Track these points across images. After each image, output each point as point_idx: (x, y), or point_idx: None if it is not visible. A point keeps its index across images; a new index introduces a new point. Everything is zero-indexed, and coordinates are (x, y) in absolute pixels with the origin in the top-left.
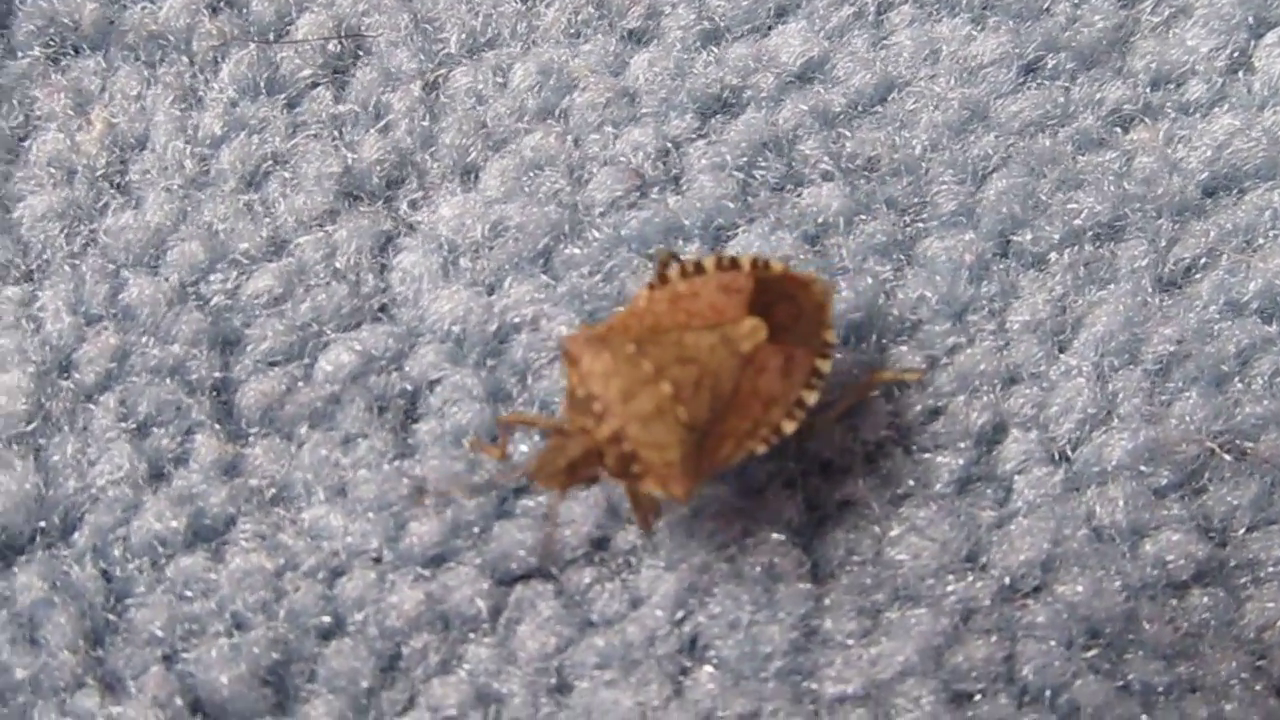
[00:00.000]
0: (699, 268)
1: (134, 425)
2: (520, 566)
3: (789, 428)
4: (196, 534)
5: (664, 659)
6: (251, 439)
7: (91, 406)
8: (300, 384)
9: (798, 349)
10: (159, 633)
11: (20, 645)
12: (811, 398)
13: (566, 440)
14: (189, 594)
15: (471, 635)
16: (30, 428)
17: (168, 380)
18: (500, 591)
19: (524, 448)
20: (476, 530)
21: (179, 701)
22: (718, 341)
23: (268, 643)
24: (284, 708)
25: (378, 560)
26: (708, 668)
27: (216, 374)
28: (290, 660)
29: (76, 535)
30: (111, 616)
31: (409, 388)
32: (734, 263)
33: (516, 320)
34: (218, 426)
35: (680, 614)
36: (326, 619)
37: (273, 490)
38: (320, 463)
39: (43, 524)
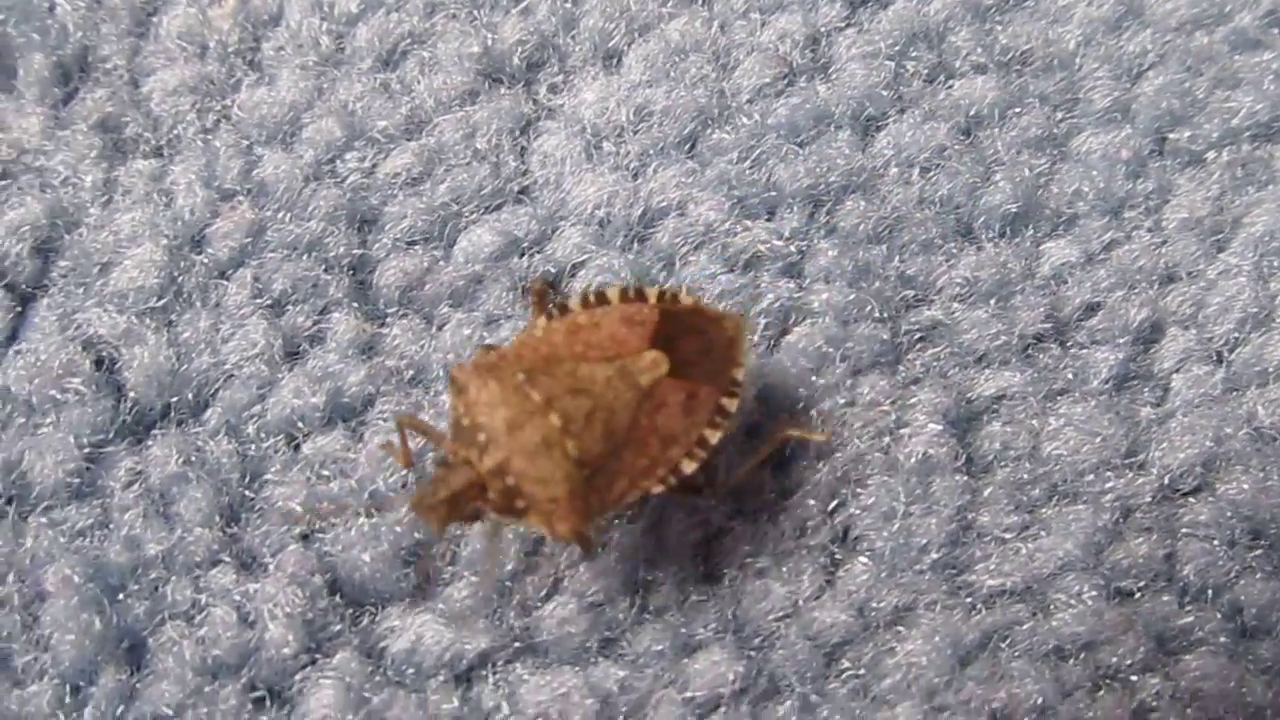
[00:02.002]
0: (601, 298)
1: (269, 302)
2: None
3: (689, 467)
4: (334, 413)
5: (816, 549)
6: (389, 319)
7: (224, 283)
8: (441, 263)
9: (702, 386)
10: (297, 510)
11: (153, 520)
12: (715, 437)
13: (448, 472)
14: (326, 473)
15: (617, 521)
16: (162, 303)
17: (304, 257)
18: None
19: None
20: None
21: (317, 580)
22: (615, 374)
23: (409, 524)
24: (425, 590)
25: None
26: (861, 559)
27: (355, 251)
28: (431, 541)
29: (209, 413)
30: (248, 493)
31: (552, 270)
32: (640, 294)
33: (662, 204)
34: (355, 305)
35: (833, 504)
36: None
37: (411, 371)
38: (462, 343)
39: (175, 399)
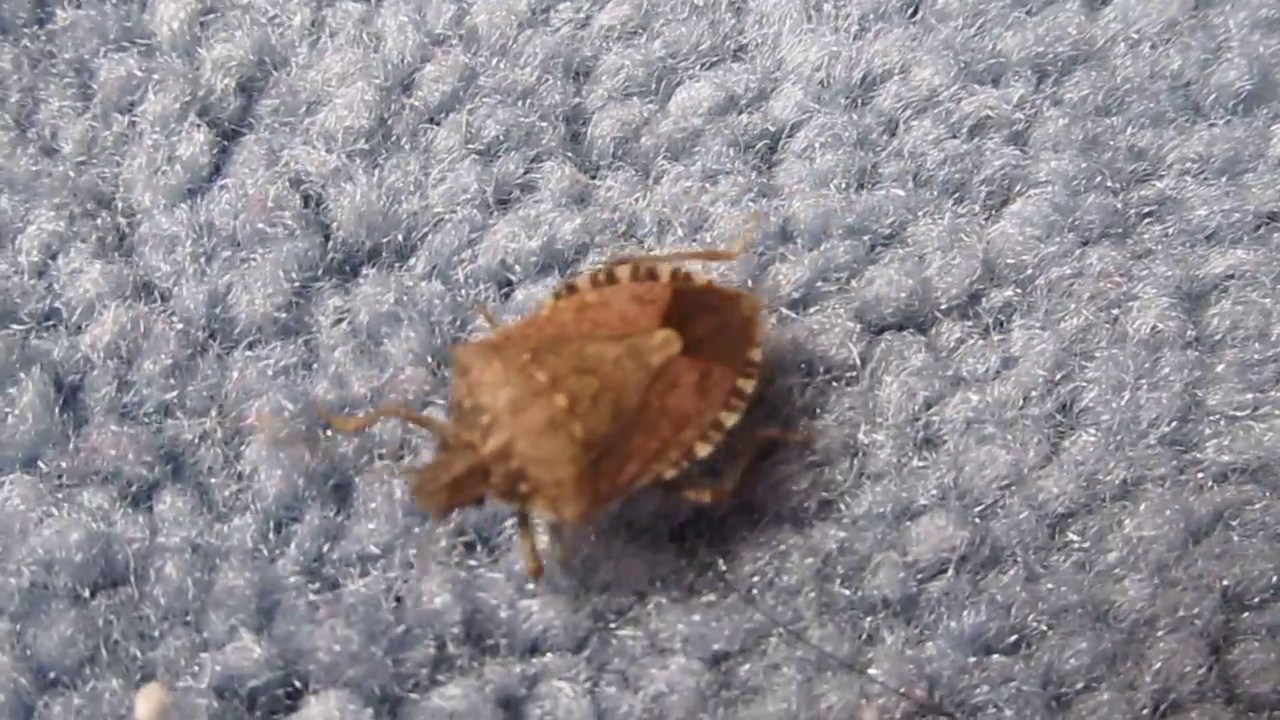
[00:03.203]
0: (611, 277)
1: (480, 148)
2: (893, 314)
3: (703, 451)
4: (548, 261)
5: (1040, 419)
6: (603, 170)
7: (434, 127)
8: (657, 116)
9: (716, 366)
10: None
11: (363, 358)
12: (730, 420)
13: (450, 456)
14: None
15: (835, 383)
16: (370, 144)
17: (517, 104)
18: (868, 339)
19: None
20: (844, 275)
21: None
22: (624, 353)
23: None
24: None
25: None
26: (1088, 431)
27: (571, 101)
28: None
29: (417, 256)
30: (460, 336)
31: (771, 128)
32: (651, 273)
33: (884, 68)
34: (569, 155)
35: (1059, 375)
36: None
37: (624, 225)
38: (680, 196)
39: (384, 240)
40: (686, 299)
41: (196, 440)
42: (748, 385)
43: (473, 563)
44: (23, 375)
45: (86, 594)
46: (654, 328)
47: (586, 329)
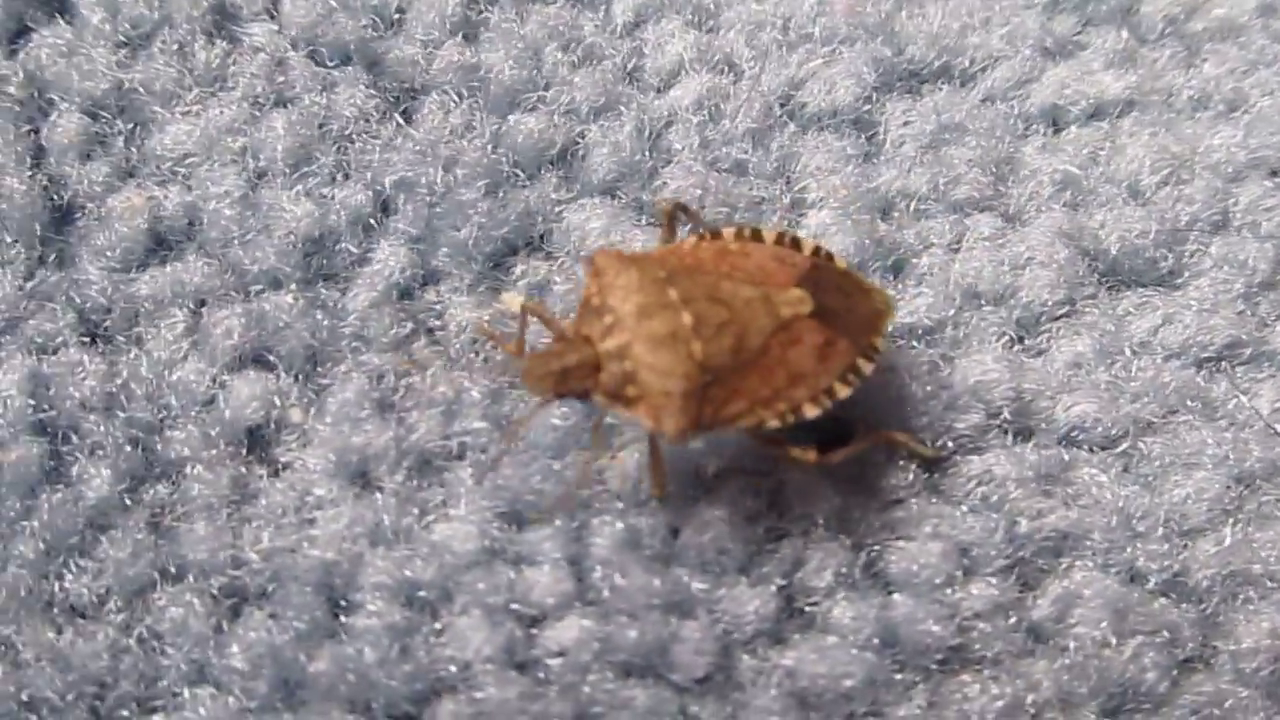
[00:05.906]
0: (756, 235)
1: (1043, 1)
2: None
3: (810, 412)
4: (1097, 111)
5: None
6: (1150, 43)
7: None
8: (1209, 4)
9: (841, 338)
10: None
11: (921, 159)
12: (844, 392)
13: (565, 346)
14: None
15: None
16: None
17: None
18: None
19: None
20: None
21: (1085, 243)
22: (757, 298)
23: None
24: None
25: None
26: None
27: None
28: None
29: (973, 87)
30: (1015, 153)
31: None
32: (795, 243)
33: None
34: (1124, 22)
35: None
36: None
37: (1164, 95)
38: (1222, 76)
39: (951, 63)
40: (822, 275)
41: (767, 200)
42: (866, 366)
43: (1018, 349)
44: (622, 109)
45: None
46: (789, 285)
47: (724, 270)
